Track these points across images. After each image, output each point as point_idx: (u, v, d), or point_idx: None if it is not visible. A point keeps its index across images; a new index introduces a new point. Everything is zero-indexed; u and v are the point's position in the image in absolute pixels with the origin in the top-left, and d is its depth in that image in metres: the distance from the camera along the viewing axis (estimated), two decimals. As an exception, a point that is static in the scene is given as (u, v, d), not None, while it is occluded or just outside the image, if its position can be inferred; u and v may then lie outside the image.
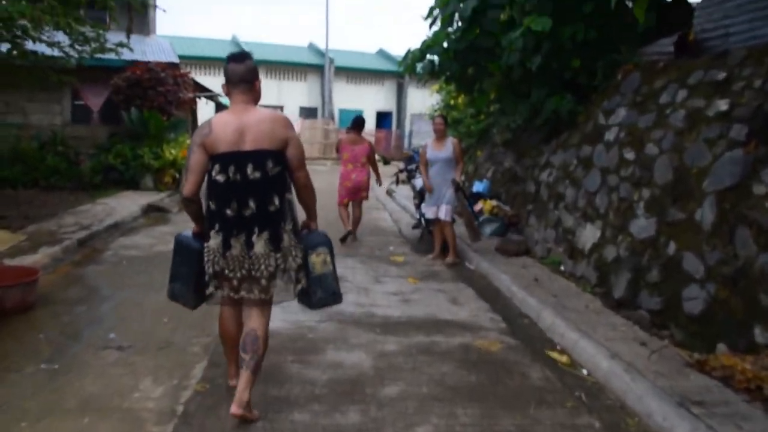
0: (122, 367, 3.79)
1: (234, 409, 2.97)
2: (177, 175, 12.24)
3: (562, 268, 6.42)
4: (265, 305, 3.19)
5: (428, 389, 3.65)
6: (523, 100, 8.55)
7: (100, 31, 9.70)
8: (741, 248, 4.04)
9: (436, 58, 9.62)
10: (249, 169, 2.99)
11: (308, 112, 31.33)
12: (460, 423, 3.24)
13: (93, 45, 9.69)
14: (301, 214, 3.30)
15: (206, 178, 3.09)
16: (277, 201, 3.04)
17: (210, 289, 3.15)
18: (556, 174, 7.21)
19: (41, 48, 9.36)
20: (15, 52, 9.11)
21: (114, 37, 10.39)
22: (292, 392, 3.52)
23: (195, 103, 16.52)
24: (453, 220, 7.14)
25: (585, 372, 4.00)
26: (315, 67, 31.75)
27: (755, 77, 4.66)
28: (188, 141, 10.91)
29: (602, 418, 3.37)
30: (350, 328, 4.71)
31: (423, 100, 27.09)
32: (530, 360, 4.21)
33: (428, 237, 7.99)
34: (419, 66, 9.95)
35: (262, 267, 3.04)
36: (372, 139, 15.31)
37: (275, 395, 3.46)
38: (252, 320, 3.15)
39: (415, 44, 10.02)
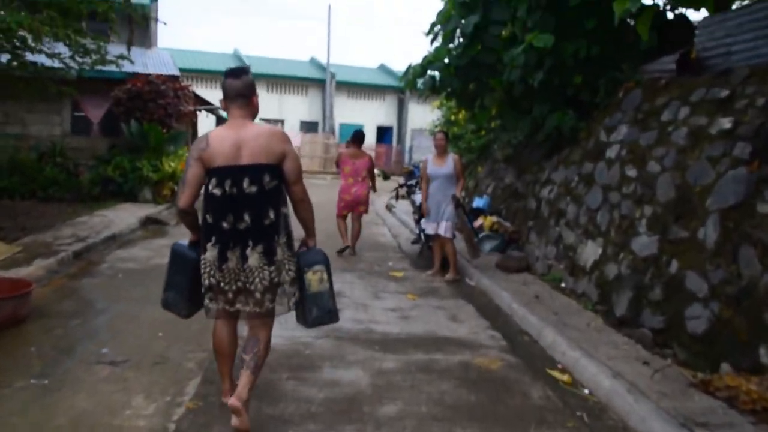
0: (115, 383, 3.72)
1: (232, 400, 2.99)
2: (175, 188, 12.19)
3: (563, 285, 6.36)
4: (264, 318, 3.19)
5: (427, 408, 3.57)
6: (525, 116, 8.54)
7: (101, 43, 9.71)
8: (745, 267, 3.99)
9: (437, 73, 9.63)
10: (245, 183, 3.00)
11: (309, 126, 31.43)
12: (460, 444, 3.16)
13: (93, 57, 9.70)
14: (299, 231, 3.26)
15: (203, 192, 3.10)
16: (272, 215, 3.06)
17: (205, 302, 3.16)
18: (557, 190, 7.17)
19: (41, 59, 9.35)
20: (15, 63, 9.11)
21: (115, 49, 10.41)
22: (287, 411, 3.44)
23: (195, 116, 16.54)
24: (453, 236, 7.09)
25: (587, 391, 3.92)
26: (316, 81, 31.91)
27: (758, 95, 4.63)
28: (187, 154, 10.92)
29: (605, 440, 3.30)
30: (348, 344, 4.64)
31: (424, 115, 27.17)
32: (531, 379, 4.13)
33: (428, 252, 7.93)
34: (420, 81, 9.96)
35: (256, 280, 3.05)
36: (372, 154, 15.33)
37: (270, 413, 3.39)
38: (253, 330, 3.21)
39: (417, 60, 10.03)
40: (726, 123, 4.70)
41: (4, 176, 11.52)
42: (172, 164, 12.43)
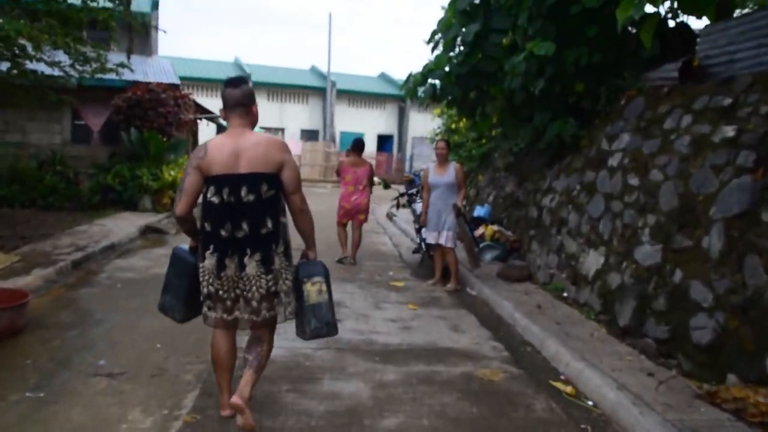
0: (111, 396, 3.66)
1: (234, 398, 2.99)
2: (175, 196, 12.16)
3: (565, 294, 6.30)
4: (265, 327, 3.20)
5: (429, 421, 3.52)
6: (526, 124, 8.51)
7: (101, 51, 9.69)
8: (750, 277, 3.94)
9: (437, 82, 9.61)
10: (243, 192, 3.01)
11: (309, 135, 31.45)
12: (462, 458, 3.10)
13: (94, 65, 9.68)
14: (299, 240, 3.23)
15: (202, 199, 3.10)
16: (270, 224, 3.06)
17: (204, 309, 3.17)
18: (559, 199, 7.13)
19: (41, 67, 9.34)
20: (15, 71, 9.09)
21: (115, 57, 10.39)
22: (287, 424, 3.38)
23: (196, 124, 16.51)
24: (455, 246, 7.03)
25: (591, 403, 3.86)
26: (317, 89, 31.96)
27: (761, 103, 4.60)
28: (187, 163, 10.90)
29: (610, 454, 3.24)
30: (348, 355, 4.58)
31: (424, 123, 27.21)
32: (534, 390, 4.08)
33: (429, 262, 7.88)
34: (421, 90, 9.93)
35: (254, 288, 3.06)
36: (373, 162, 15.30)
37: (269, 426, 3.33)
38: (256, 330, 3.23)
39: (417, 68, 10.03)
40: (729, 131, 4.66)
41: (4, 185, 11.50)
42: (172, 173, 12.40)
